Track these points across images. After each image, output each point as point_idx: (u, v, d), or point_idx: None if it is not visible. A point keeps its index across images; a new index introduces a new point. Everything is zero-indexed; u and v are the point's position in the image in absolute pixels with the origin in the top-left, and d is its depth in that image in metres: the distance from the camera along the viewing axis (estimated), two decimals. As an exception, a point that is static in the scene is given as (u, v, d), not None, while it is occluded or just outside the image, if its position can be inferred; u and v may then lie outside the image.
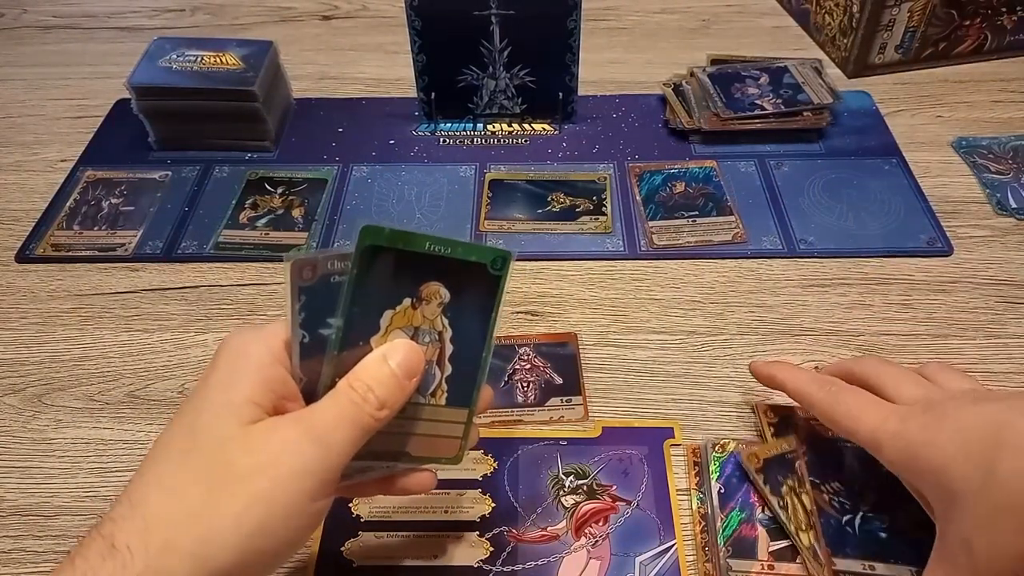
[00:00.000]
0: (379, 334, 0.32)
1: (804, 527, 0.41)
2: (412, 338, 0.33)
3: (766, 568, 0.40)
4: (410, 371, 0.32)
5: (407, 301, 0.32)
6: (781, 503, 0.42)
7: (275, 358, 0.31)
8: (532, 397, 0.49)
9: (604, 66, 0.78)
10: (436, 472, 0.36)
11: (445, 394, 0.34)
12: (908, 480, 0.36)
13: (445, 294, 0.33)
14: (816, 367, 0.50)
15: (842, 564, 0.39)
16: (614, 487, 0.44)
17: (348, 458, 0.30)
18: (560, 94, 0.69)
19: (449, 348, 0.34)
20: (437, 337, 0.34)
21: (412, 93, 0.70)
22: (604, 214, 0.62)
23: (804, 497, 0.42)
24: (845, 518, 0.41)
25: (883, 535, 0.40)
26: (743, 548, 0.41)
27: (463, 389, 0.35)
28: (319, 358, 0.31)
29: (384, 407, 0.31)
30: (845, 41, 0.76)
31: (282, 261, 0.31)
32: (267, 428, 0.29)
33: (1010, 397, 0.35)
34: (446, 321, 0.34)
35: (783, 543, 0.41)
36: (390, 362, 0.31)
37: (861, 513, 0.41)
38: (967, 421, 0.33)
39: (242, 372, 0.30)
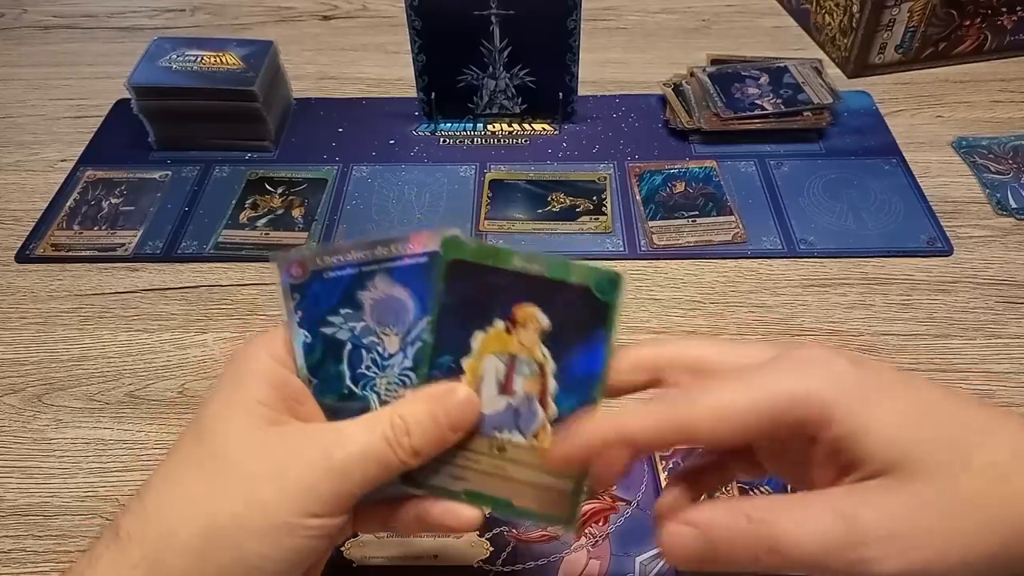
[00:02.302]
0: (470, 357, 0.30)
1: None
2: (508, 367, 0.30)
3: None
4: (456, 424, 0.29)
5: (500, 324, 0.30)
6: None
7: (276, 360, 0.30)
8: (532, 397, 0.49)
9: (604, 66, 0.78)
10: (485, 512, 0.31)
11: (553, 435, 0.30)
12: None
13: (543, 320, 0.30)
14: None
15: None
16: (614, 487, 0.44)
17: (365, 491, 0.29)
18: (560, 94, 0.69)
19: (553, 385, 0.30)
20: (538, 369, 0.30)
21: (412, 93, 0.70)
22: (604, 214, 0.62)
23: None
24: None
25: None
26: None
27: None
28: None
29: (418, 455, 0.29)
30: (845, 41, 0.76)
31: (270, 262, 0.30)
32: (284, 438, 0.28)
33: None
34: (547, 352, 0.30)
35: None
36: (439, 408, 0.29)
37: None
38: (929, 396, 0.26)
39: (246, 374, 0.30)
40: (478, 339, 0.30)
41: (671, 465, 0.44)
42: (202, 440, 0.29)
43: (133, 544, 0.27)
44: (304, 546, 0.28)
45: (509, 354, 0.30)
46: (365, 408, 0.31)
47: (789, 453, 0.28)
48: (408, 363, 0.31)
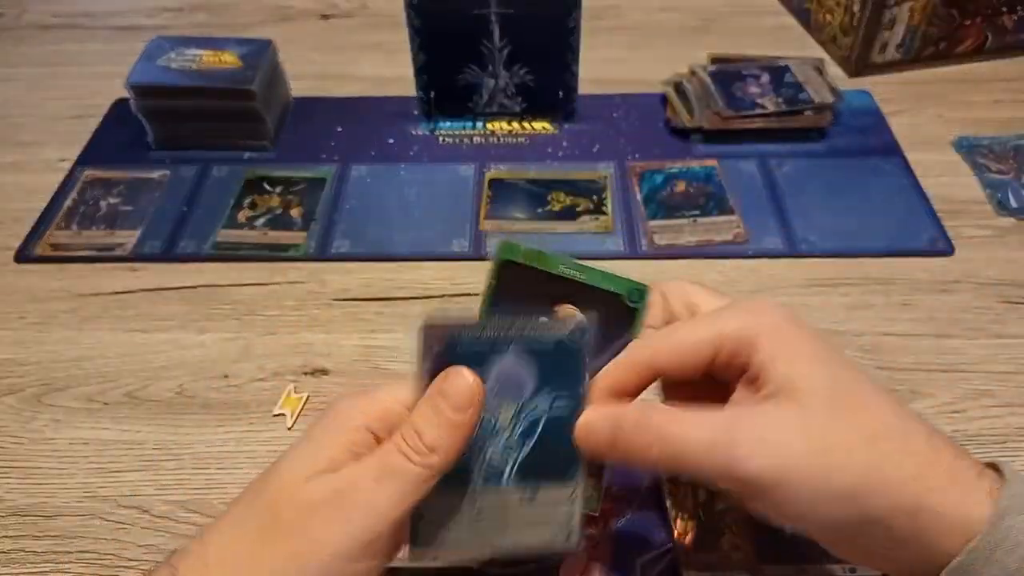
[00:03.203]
0: None
1: (686, 516, 0.42)
2: None
3: (722, 558, 0.40)
4: (457, 403, 0.29)
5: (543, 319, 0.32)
6: (673, 489, 0.43)
7: (366, 421, 0.30)
8: (532, 397, 0.49)
9: (605, 65, 0.77)
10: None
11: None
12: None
13: (581, 318, 0.32)
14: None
15: (772, 570, 0.40)
16: (615, 488, 0.44)
17: (400, 514, 0.28)
18: (560, 93, 0.69)
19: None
20: None
21: (411, 92, 0.70)
22: (604, 213, 0.61)
23: (701, 490, 0.43)
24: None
25: None
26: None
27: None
28: None
29: (437, 451, 0.28)
30: (846, 40, 0.76)
31: (418, 325, 0.30)
32: (320, 483, 0.29)
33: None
34: None
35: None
36: (435, 395, 0.29)
37: None
38: (841, 361, 0.30)
39: (329, 431, 0.30)
40: None
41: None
42: (261, 493, 0.29)
43: None
44: None
45: None
46: (465, 477, 0.31)
47: (727, 379, 0.32)
48: (515, 439, 0.31)
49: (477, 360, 0.31)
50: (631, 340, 0.33)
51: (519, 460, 0.32)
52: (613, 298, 0.33)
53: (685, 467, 0.29)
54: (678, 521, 0.42)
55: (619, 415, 0.30)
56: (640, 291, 0.33)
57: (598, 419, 0.31)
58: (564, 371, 0.31)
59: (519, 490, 0.32)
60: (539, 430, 0.31)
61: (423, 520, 0.31)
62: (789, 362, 0.29)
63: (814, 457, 0.27)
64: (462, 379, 0.29)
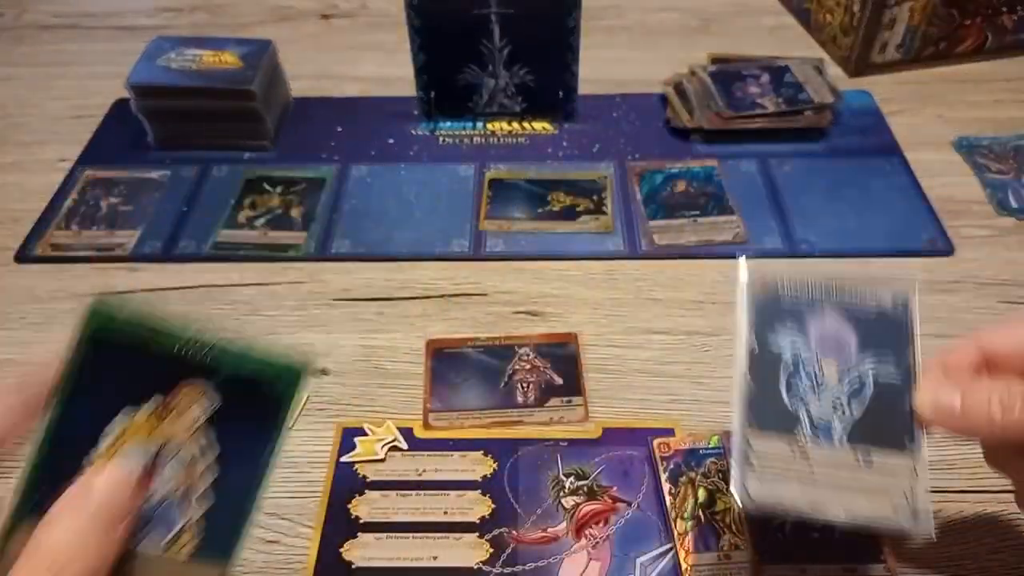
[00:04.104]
0: (100, 450, 0.25)
1: (686, 516, 0.42)
2: (154, 461, 0.26)
3: (722, 558, 0.40)
4: (116, 516, 0.25)
5: (150, 406, 0.25)
6: (672, 490, 0.43)
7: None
8: (532, 398, 0.49)
9: (605, 65, 0.77)
10: None
11: (195, 543, 0.26)
12: None
13: (211, 401, 0.25)
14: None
15: (772, 571, 0.40)
16: (614, 488, 0.44)
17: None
18: (560, 93, 0.69)
19: (208, 478, 0.26)
20: (188, 461, 0.26)
21: (411, 92, 0.70)
22: (605, 213, 0.61)
23: (701, 490, 0.43)
24: (776, 522, 0.41)
25: (816, 535, 0.41)
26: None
27: (220, 537, 0.26)
28: None
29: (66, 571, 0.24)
30: (846, 40, 0.76)
31: (739, 262, 0.33)
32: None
33: None
34: (212, 437, 0.26)
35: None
36: (88, 501, 0.24)
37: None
38: None
39: None
40: (117, 427, 0.26)
41: (671, 466, 0.44)
42: None
43: None
44: None
45: (157, 444, 0.26)
46: (792, 423, 0.32)
47: None
48: (843, 397, 0.32)
49: (796, 315, 0.32)
50: (279, 434, 0.26)
51: (852, 421, 0.32)
52: (250, 383, 0.26)
53: None
54: (678, 521, 0.42)
55: (964, 385, 0.31)
56: (297, 372, 0.26)
57: (944, 388, 0.31)
58: (887, 338, 0.33)
59: (854, 452, 0.31)
60: (868, 392, 0.32)
61: (754, 471, 0.31)
62: None
63: None
64: (116, 487, 0.25)
